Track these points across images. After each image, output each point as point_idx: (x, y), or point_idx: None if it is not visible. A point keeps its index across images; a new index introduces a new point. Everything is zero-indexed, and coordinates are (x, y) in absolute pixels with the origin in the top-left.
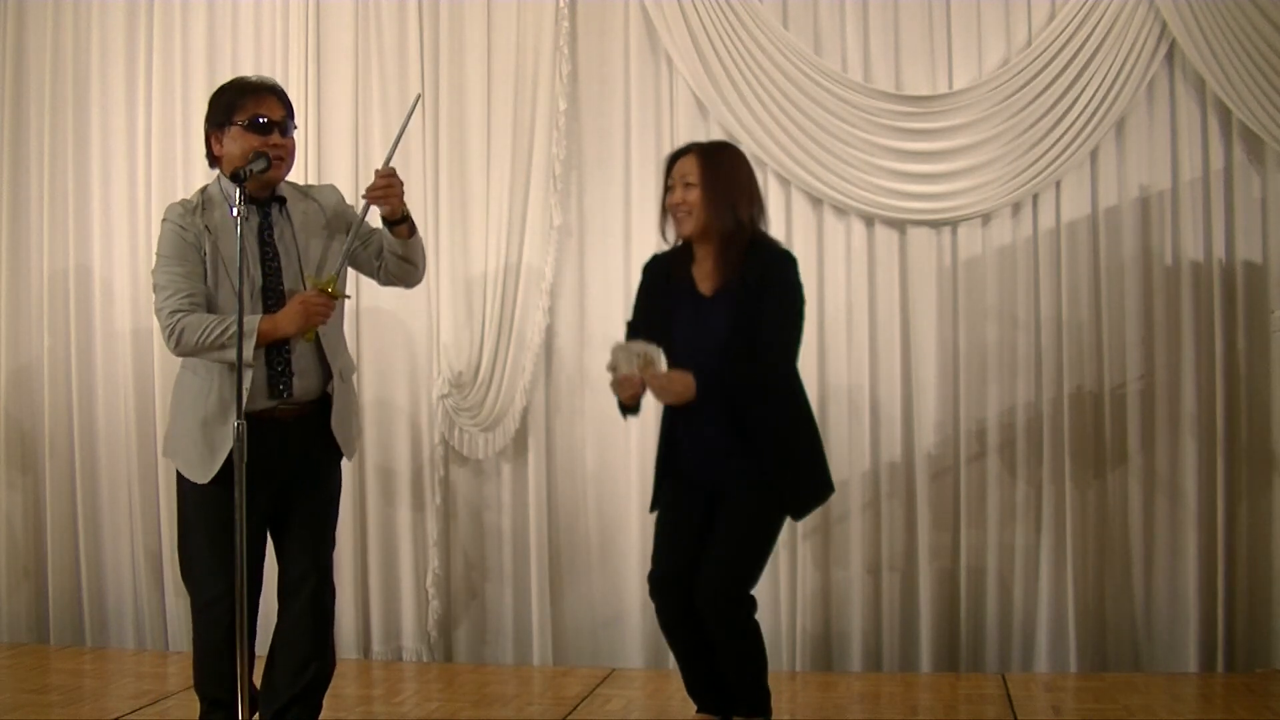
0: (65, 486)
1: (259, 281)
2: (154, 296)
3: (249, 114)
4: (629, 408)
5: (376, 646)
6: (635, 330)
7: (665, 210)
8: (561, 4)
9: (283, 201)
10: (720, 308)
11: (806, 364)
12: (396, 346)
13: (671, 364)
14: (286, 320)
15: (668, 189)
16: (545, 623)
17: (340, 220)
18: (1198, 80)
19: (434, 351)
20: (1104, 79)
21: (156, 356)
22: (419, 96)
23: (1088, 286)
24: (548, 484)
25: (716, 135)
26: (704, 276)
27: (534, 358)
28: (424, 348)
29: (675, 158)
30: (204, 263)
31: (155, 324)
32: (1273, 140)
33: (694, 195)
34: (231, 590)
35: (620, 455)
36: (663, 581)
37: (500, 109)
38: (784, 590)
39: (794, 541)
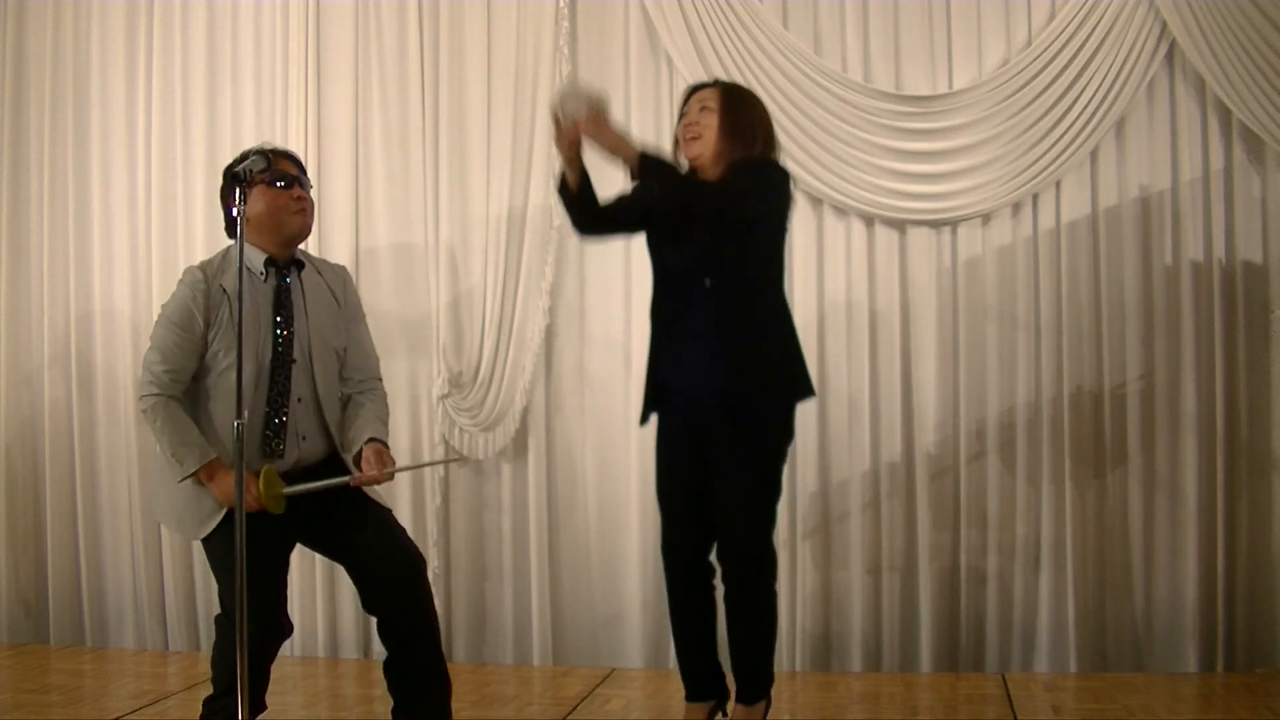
0: (65, 486)
1: (268, 353)
2: (147, 345)
3: (270, 174)
4: (569, 187)
5: (377, 646)
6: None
7: (676, 141)
8: (561, 4)
9: (301, 266)
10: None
11: (806, 363)
12: (396, 346)
13: (663, 283)
14: (216, 488)
15: (682, 116)
16: (545, 623)
17: (349, 311)
18: (1198, 80)
19: (434, 351)
20: (1104, 79)
21: None
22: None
23: (1088, 286)
24: (548, 484)
25: None
26: None
27: (534, 358)
28: (424, 348)
29: (694, 89)
30: (205, 335)
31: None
32: (1273, 140)
33: (709, 119)
34: (272, 618)
35: (620, 455)
36: (671, 546)
37: (500, 109)
38: (784, 590)
39: (794, 541)
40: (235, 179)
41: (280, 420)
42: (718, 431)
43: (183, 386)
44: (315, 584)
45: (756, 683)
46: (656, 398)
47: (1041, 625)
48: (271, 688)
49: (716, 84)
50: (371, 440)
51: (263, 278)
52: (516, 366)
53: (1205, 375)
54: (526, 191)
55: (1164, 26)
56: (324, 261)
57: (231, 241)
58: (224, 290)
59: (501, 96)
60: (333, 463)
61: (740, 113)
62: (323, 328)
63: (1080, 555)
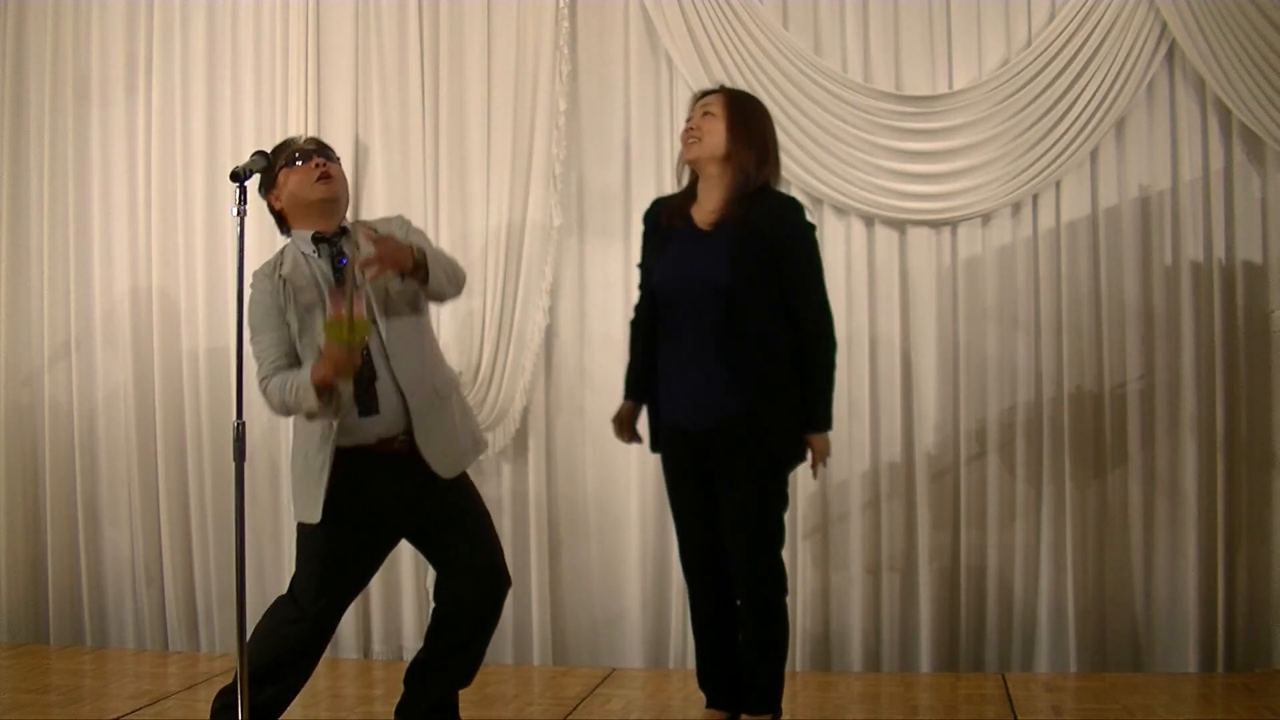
0: (65, 486)
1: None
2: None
3: (285, 156)
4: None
5: (377, 646)
6: (644, 271)
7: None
8: (561, 4)
9: (346, 234)
10: (719, 242)
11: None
12: None
13: (665, 300)
14: (316, 370)
15: (686, 121)
16: (545, 623)
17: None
18: (1198, 80)
19: None
20: (1104, 79)
21: (156, 357)
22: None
23: (1088, 286)
24: (548, 484)
25: None
26: (704, 214)
27: (534, 358)
28: None
29: (700, 95)
30: (286, 322)
31: (157, 322)
32: (1273, 140)
33: (711, 124)
34: (336, 613)
35: (620, 455)
36: (689, 564)
37: (500, 109)
38: None
39: (794, 542)
40: (234, 178)
41: (370, 378)
42: (724, 458)
43: (285, 369)
44: None
45: (765, 695)
46: (661, 427)
47: (1041, 625)
48: None
49: (722, 90)
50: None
51: (315, 255)
52: (516, 366)
53: (1205, 375)
54: (526, 191)
55: (1164, 27)
56: (380, 221)
57: (287, 240)
58: (283, 278)
59: (501, 96)
60: (410, 433)
61: (746, 119)
62: (392, 284)
63: (1080, 555)
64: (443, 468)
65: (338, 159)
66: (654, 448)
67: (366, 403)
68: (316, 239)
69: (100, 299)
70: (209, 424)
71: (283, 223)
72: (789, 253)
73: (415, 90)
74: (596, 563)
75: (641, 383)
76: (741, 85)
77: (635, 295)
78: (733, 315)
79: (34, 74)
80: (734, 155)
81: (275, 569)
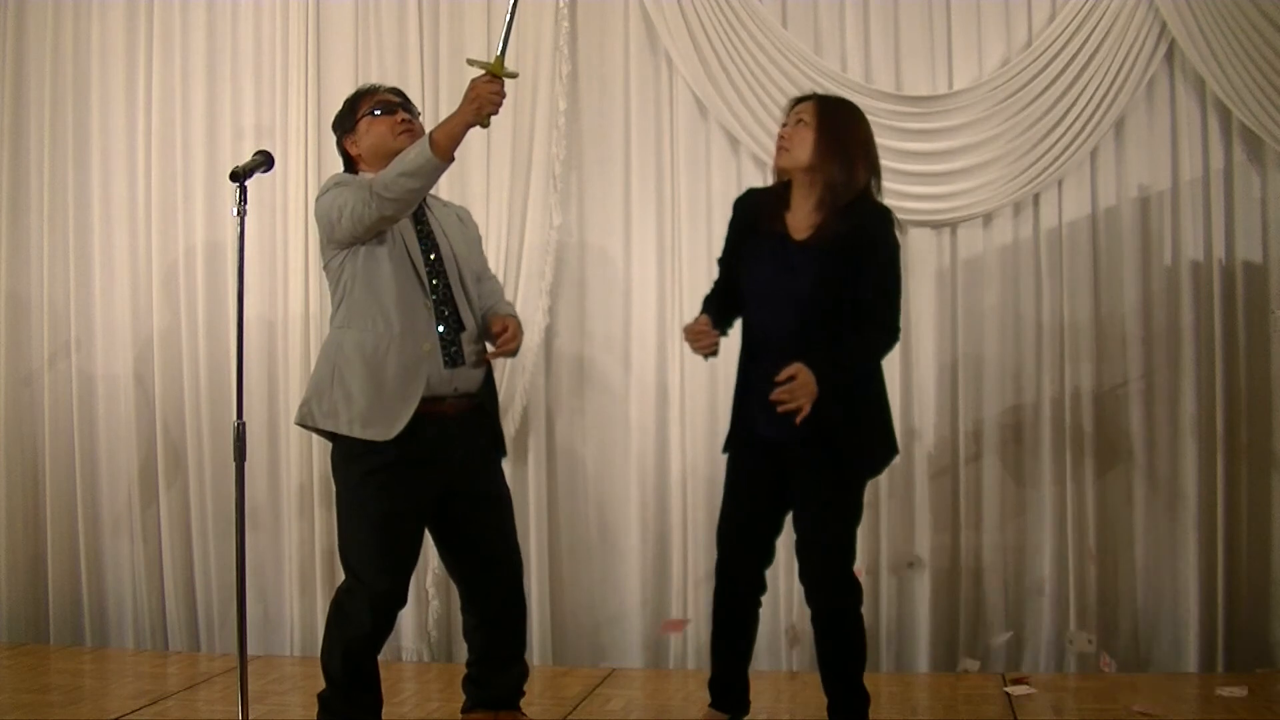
0: (65, 486)
1: (424, 270)
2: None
3: (370, 105)
4: None
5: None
6: (725, 266)
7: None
8: (561, 4)
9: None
10: (808, 254)
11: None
12: None
13: (752, 308)
14: (458, 114)
15: (781, 127)
16: (545, 623)
17: (476, 244)
18: (1198, 80)
19: None
20: (1104, 79)
21: (156, 357)
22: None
23: (1088, 286)
24: (548, 484)
25: (716, 135)
26: (797, 222)
27: (534, 358)
28: None
29: (796, 102)
30: None
31: (157, 322)
32: (1273, 140)
33: (803, 133)
34: (404, 583)
35: (620, 454)
36: (728, 573)
37: (501, 109)
38: (783, 591)
39: (793, 542)
40: (234, 178)
41: (452, 336)
42: (802, 469)
43: None
44: (315, 582)
45: (852, 704)
46: (742, 435)
47: (1042, 625)
48: (271, 688)
49: (815, 98)
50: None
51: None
52: (516, 366)
53: (1205, 375)
54: (526, 191)
55: (1164, 26)
56: (448, 201)
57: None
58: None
59: None
60: (484, 396)
61: (835, 129)
62: (463, 253)
63: (1080, 555)
64: (498, 445)
65: (418, 113)
66: (726, 448)
67: (454, 354)
68: None
69: (100, 299)
70: (209, 424)
71: (353, 168)
72: (869, 264)
73: (415, 90)
74: (596, 563)
75: (721, 309)
76: (741, 85)
77: (635, 295)
78: (817, 328)
79: (34, 74)
80: (821, 167)
81: (275, 569)
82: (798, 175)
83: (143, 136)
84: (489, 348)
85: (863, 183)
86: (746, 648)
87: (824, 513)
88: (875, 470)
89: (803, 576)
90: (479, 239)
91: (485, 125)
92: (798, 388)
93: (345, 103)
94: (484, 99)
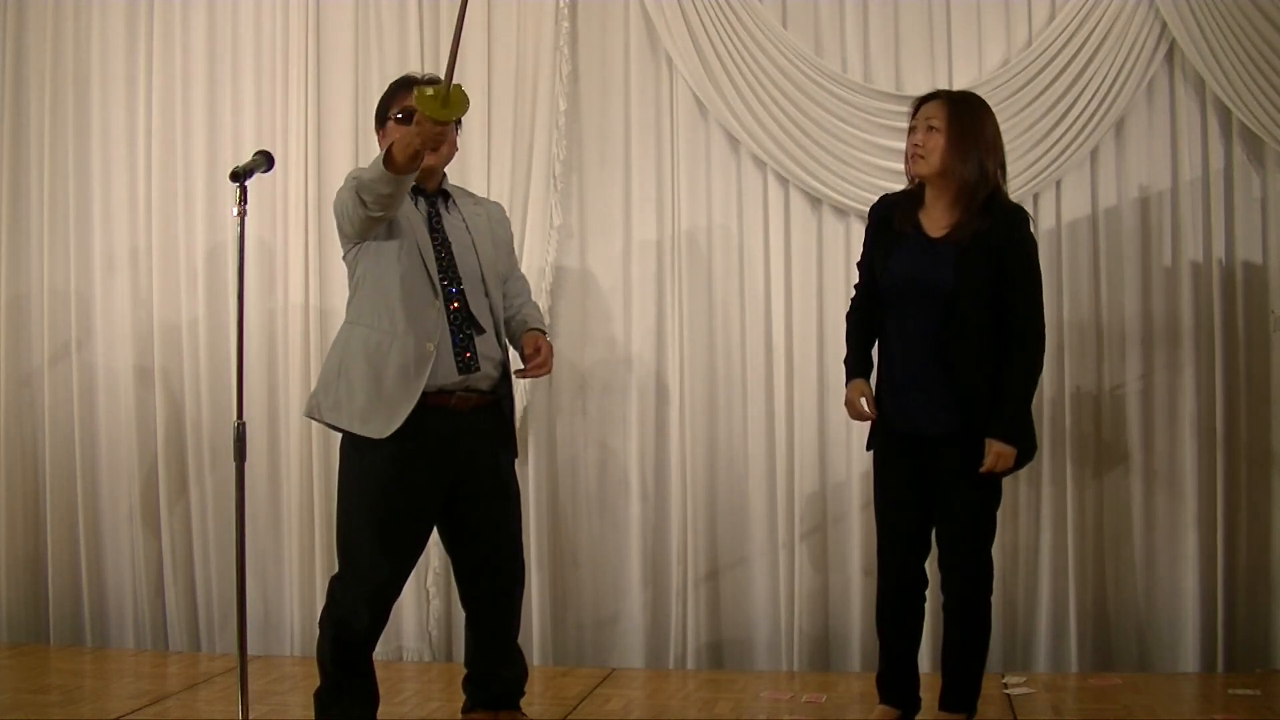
0: (65, 487)
1: (435, 270)
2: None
3: (400, 107)
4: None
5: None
6: (866, 269)
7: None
8: (561, 4)
9: (448, 197)
10: (948, 253)
11: (806, 362)
12: None
13: (894, 301)
14: (398, 144)
15: (911, 130)
16: (545, 623)
17: (505, 244)
18: (1198, 80)
19: None
20: (1104, 79)
21: (157, 357)
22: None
23: (1088, 286)
24: (548, 484)
25: (716, 135)
26: (932, 221)
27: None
28: None
29: (922, 101)
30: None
31: (157, 322)
32: (1273, 140)
33: (935, 139)
34: (400, 576)
35: (620, 455)
36: (889, 564)
37: (500, 109)
38: (782, 591)
39: (792, 542)
40: (234, 178)
41: (463, 338)
42: (943, 464)
43: None
44: (315, 580)
45: (964, 694)
46: (885, 432)
47: (1041, 625)
48: (271, 688)
49: (942, 97)
50: (534, 330)
51: (413, 204)
52: (516, 365)
53: (1205, 375)
54: (527, 191)
55: (1164, 26)
56: (482, 198)
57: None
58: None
59: (501, 96)
60: (498, 394)
61: (964, 130)
62: (487, 253)
63: (1080, 555)
64: (509, 445)
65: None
66: (870, 445)
67: (466, 358)
68: (417, 190)
69: (100, 298)
70: (209, 424)
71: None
72: (1011, 263)
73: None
74: (596, 563)
75: (864, 364)
76: (741, 85)
77: (635, 296)
78: (958, 324)
79: (34, 74)
80: (956, 170)
81: (275, 569)
82: (932, 178)
83: (143, 136)
84: (518, 363)
85: (994, 179)
86: (912, 642)
87: (962, 509)
88: (1017, 466)
89: (942, 566)
90: (509, 238)
91: (438, 163)
92: (997, 466)
93: (386, 90)
94: (427, 138)
